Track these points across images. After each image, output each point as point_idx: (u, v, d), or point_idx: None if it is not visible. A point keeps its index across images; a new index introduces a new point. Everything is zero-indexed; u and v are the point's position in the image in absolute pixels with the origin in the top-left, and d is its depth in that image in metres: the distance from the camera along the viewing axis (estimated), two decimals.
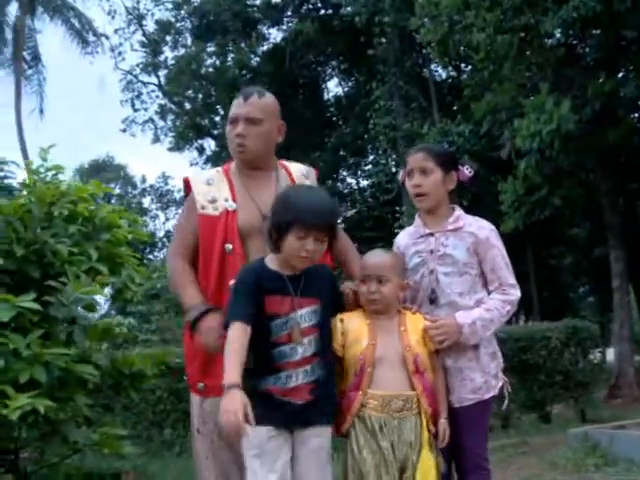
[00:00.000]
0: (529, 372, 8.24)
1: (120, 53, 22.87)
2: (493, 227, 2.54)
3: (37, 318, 3.38)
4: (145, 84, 23.02)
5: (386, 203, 18.81)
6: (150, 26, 22.51)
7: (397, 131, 16.60)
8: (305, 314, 2.24)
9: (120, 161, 34.25)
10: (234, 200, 2.50)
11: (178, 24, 21.52)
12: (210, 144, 22.51)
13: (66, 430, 3.62)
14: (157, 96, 22.94)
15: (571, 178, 11.96)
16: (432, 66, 18.30)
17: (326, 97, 22.74)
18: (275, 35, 21.32)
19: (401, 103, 17.25)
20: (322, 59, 21.40)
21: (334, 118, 22.35)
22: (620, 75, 11.36)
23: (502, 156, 12.37)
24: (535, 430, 7.65)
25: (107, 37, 23.17)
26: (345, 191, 22.04)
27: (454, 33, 11.74)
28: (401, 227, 12.44)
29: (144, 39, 22.52)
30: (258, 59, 20.68)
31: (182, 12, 21.27)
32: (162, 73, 22.19)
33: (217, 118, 21.27)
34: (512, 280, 2.49)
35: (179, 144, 22.39)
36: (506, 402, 2.55)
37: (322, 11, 20.10)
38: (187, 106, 21.91)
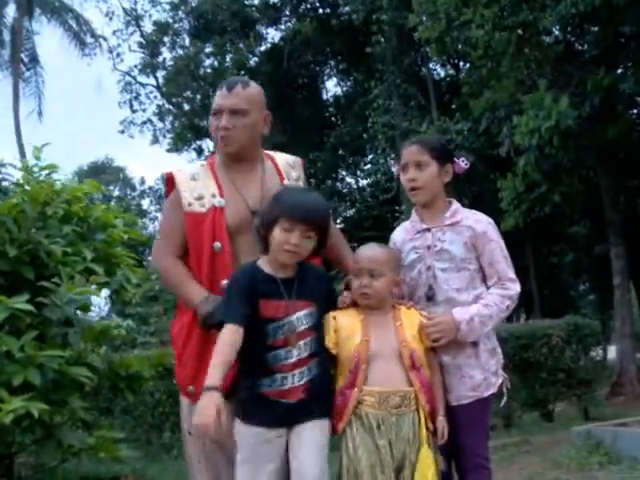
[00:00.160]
0: (530, 370, 8.20)
1: (118, 54, 22.88)
2: (491, 221, 2.48)
3: (31, 320, 3.34)
4: (143, 85, 22.99)
5: (385, 202, 18.79)
6: (148, 27, 22.53)
7: (396, 130, 16.55)
8: (301, 317, 2.22)
9: (119, 163, 34.34)
10: (221, 196, 2.42)
11: (176, 25, 21.49)
12: (209, 145, 22.46)
13: (61, 434, 3.57)
14: (155, 97, 22.92)
15: (571, 175, 11.92)
16: (430, 64, 18.29)
17: (325, 97, 22.73)
18: (273, 35, 21.35)
19: (400, 102, 17.21)
20: (320, 58, 21.38)
21: (333, 118, 22.32)
22: (619, 71, 11.32)
23: (501, 153, 12.35)
24: (537, 429, 7.60)
25: (105, 38, 23.19)
26: (344, 190, 22.02)
27: (452, 30, 11.70)
28: None
29: (142, 40, 22.50)
30: (256, 59, 20.66)
31: (180, 13, 21.24)
32: (160, 74, 22.17)
33: None
34: (511, 274, 2.43)
35: (178, 145, 22.36)
36: (504, 399, 2.50)
37: (320, 10, 20.07)
38: (185, 107, 21.88)
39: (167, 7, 21.67)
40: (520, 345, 8.14)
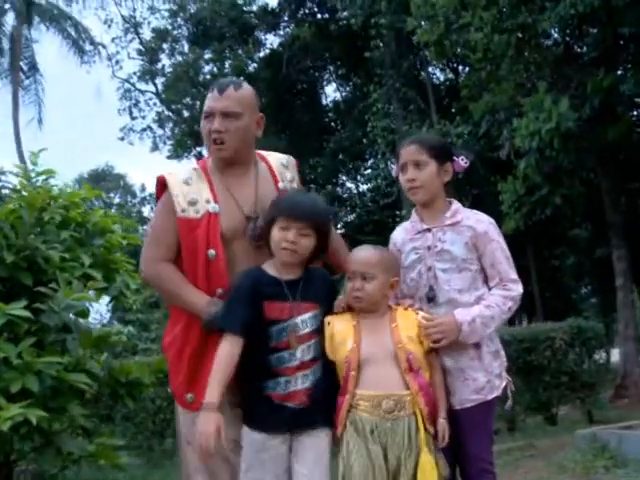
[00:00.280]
0: (534, 373, 8.16)
1: (117, 62, 22.84)
2: (492, 221, 2.45)
3: (29, 326, 3.31)
4: (142, 92, 22.99)
5: (386, 207, 18.76)
6: (147, 34, 22.52)
7: (396, 134, 16.53)
8: (306, 319, 2.22)
9: (119, 170, 34.36)
10: (216, 202, 2.35)
11: (175, 32, 21.51)
12: None
13: (60, 441, 3.54)
14: (155, 104, 22.92)
15: (571, 177, 11.89)
16: (429, 68, 18.29)
17: (324, 102, 22.73)
18: (272, 41, 21.37)
19: (399, 106, 17.20)
20: (319, 64, 21.39)
21: (332, 123, 22.32)
22: (619, 73, 11.31)
23: (501, 156, 12.33)
24: (541, 432, 7.56)
25: (104, 46, 23.18)
26: (345, 195, 21.98)
27: (451, 33, 11.68)
28: None
29: (141, 47, 22.51)
30: (255, 65, 20.68)
31: (178, 19, 21.27)
32: (159, 81, 22.17)
33: None
34: (513, 275, 2.39)
35: (178, 152, 22.35)
36: (509, 402, 2.45)
37: (319, 15, 20.10)
38: (185, 113, 21.88)
39: (166, 14, 21.71)
40: (523, 348, 8.11)
